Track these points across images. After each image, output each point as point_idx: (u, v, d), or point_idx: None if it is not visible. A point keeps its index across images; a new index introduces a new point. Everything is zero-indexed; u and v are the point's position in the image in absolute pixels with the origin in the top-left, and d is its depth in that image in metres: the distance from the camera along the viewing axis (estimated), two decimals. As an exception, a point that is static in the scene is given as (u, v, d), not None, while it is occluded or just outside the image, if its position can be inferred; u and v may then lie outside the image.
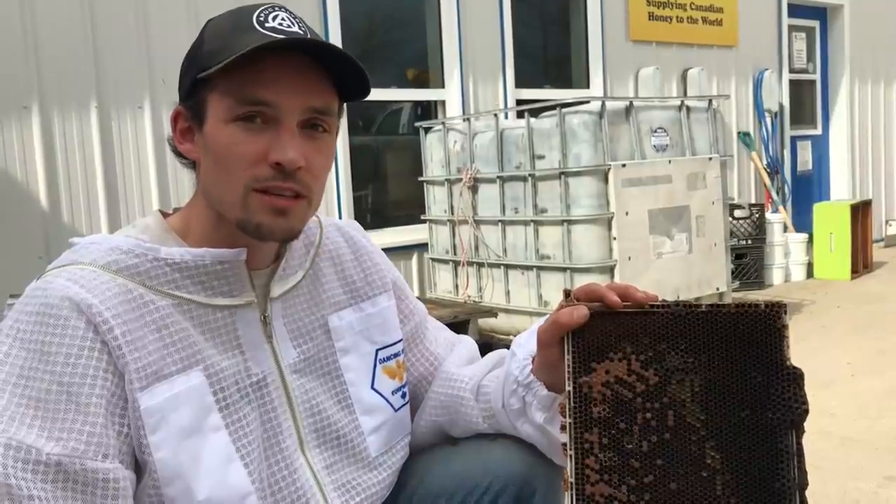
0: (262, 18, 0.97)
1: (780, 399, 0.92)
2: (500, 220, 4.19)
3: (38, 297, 0.91)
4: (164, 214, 1.07)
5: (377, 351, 1.16)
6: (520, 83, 5.39)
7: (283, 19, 0.98)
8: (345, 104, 1.05)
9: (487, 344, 3.86)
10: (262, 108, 0.95)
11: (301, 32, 0.98)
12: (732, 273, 4.75)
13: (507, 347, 1.15)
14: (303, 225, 1.02)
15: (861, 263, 6.39)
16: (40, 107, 3.54)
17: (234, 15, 0.99)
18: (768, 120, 7.10)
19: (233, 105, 0.95)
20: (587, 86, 5.87)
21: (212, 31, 1.00)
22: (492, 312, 4.12)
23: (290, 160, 0.94)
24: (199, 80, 0.96)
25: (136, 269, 0.96)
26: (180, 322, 0.97)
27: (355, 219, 4.54)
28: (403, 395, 1.19)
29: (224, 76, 0.94)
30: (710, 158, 4.22)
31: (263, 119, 0.95)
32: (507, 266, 4.20)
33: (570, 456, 0.94)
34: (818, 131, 8.03)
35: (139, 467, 0.93)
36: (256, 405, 1.01)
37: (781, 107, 7.32)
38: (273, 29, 0.96)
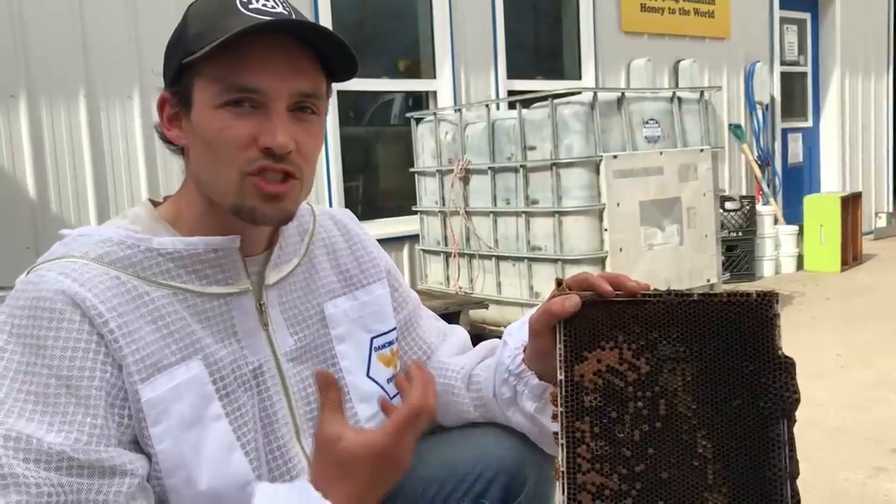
0: (245, 0, 0.95)
1: (772, 388, 0.92)
2: (491, 212, 4.18)
3: (30, 291, 0.90)
4: (154, 203, 1.05)
5: (372, 339, 1.16)
6: (511, 74, 5.37)
7: (266, 0, 0.96)
8: (332, 84, 1.03)
9: (479, 335, 3.86)
10: (249, 95, 0.93)
11: (286, 13, 0.96)
12: (723, 265, 4.76)
13: (499, 338, 1.14)
14: (296, 207, 1.00)
15: (851, 255, 6.41)
16: (28, 96, 3.51)
17: None
18: (759, 112, 7.11)
19: (220, 91, 0.93)
20: (579, 77, 5.86)
21: (195, 13, 0.98)
22: (483, 304, 4.12)
23: (280, 145, 0.93)
24: (184, 65, 0.95)
25: (128, 260, 0.95)
26: (177, 312, 0.96)
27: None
28: None
29: (209, 61, 0.93)
30: (702, 150, 4.22)
31: (252, 103, 0.94)
32: (499, 257, 4.20)
33: (562, 445, 0.94)
34: (809, 124, 8.05)
35: None
36: (253, 393, 1.01)
37: (773, 99, 7.33)
38: (257, 10, 0.94)
